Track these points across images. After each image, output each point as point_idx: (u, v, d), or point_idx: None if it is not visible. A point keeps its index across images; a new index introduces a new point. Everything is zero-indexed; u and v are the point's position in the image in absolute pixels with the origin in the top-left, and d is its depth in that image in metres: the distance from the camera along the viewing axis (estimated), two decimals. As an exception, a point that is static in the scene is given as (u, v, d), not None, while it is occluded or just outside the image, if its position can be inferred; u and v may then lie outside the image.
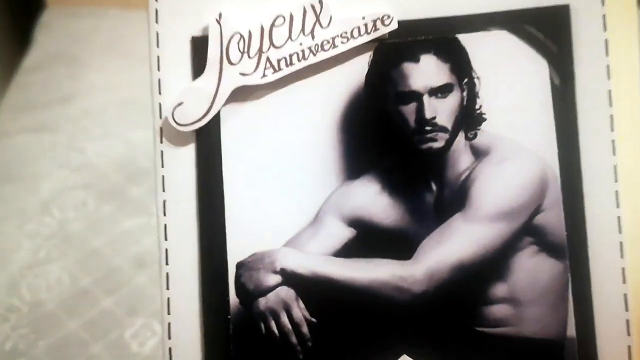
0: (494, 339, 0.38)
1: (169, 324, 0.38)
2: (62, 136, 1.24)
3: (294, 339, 0.38)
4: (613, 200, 0.39)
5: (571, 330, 0.38)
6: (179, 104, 0.39)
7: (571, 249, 0.38)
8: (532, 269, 0.39)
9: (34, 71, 1.39)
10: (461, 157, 0.40)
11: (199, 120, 0.39)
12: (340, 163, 0.40)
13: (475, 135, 0.40)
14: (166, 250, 0.39)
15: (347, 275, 0.38)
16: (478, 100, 0.39)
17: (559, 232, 0.39)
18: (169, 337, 0.38)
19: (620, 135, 0.39)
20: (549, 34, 0.38)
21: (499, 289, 0.39)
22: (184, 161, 0.39)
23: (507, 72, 0.39)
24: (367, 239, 0.40)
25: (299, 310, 0.38)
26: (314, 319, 0.38)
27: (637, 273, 0.38)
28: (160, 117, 0.40)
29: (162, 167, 0.39)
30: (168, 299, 0.38)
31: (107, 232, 1.05)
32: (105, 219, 1.07)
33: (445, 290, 0.38)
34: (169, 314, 0.38)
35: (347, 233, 0.40)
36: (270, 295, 0.38)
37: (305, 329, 0.38)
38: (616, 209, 0.39)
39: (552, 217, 0.39)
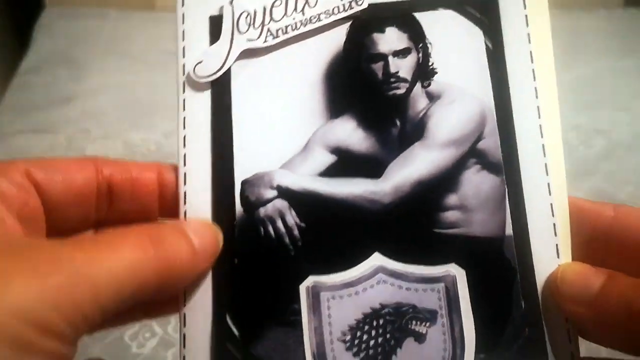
0: (448, 237, 0.47)
1: None
2: (61, 137, 1.25)
3: (287, 240, 0.46)
4: (538, 131, 0.47)
5: (509, 230, 0.46)
6: (199, 62, 0.48)
7: (506, 167, 0.47)
8: (476, 182, 0.47)
9: (34, 72, 1.40)
10: (419, 101, 0.49)
11: (214, 73, 0.48)
12: (325, 106, 0.49)
13: (429, 84, 0.49)
14: (184, 174, 0.47)
15: (329, 190, 0.47)
16: (430, 59, 0.49)
17: (497, 154, 0.47)
18: None
19: (540, 84, 0.48)
20: (483, 12, 0.49)
21: (451, 199, 0.47)
22: (201, 105, 0.48)
23: (452, 40, 0.49)
24: (346, 163, 0.48)
25: (292, 218, 0.47)
26: (303, 224, 0.47)
27: (560, 187, 0.47)
28: (183, 74, 0.49)
29: (184, 110, 0.48)
30: (185, 211, 0.46)
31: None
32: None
33: (408, 201, 0.47)
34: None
35: (330, 159, 0.48)
36: (268, 205, 0.47)
37: (296, 232, 0.46)
38: (540, 138, 0.47)
39: (491, 143, 0.47)
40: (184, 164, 0.48)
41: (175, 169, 0.47)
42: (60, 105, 1.30)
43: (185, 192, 0.47)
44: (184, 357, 0.45)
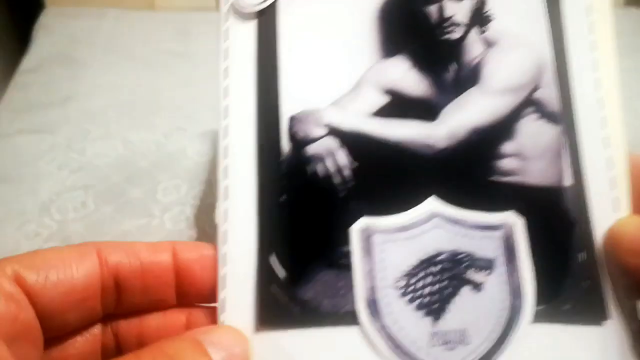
0: (505, 185, 0.45)
1: (226, 165, 0.43)
2: (61, 137, 1.22)
3: (337, 179, 0.44)
4: (594, 84, 0.46)
5: (567, 181, 0.45)
6: None
7: (564, 118, 0.45)
8: (534, 131, 0.45)
9: (33, 72, 1.37)
10: (474, 47, 0.47)
11: (260, 3, 0.46)
12: (378, 45, 0.47)
13: (485, 31, 0.47)
14: (226, 106, 0.44)
15: (381, 132, 0.45)
16: (487, 6, 0.47)
17: (554, 104, 0.45)
18: (226, 177, 0.43)
19: (598, 37, 0.47)
20: None
21: (508, 147, 0.45)
22: (246, 36, 0.45)
23: None
24: (398, 105, 0.46)
25: (342, 157, 0.44)
26: (354, 165, 0.44)
27: (619, 141, 0.45)
28: (227, 2, 0.46)
29: (226, 41, 0.45)
30: (226, 146, 0.43)
31: (107, 234, 1.02)
32: (105, 220, 1.05)
33: (464, 147, 0.45)
34: (226, 157, 0.43)
35: (383, 99, 0.46)
36: (318, 143, 0.44)
37: (347, 172, 0.44)
38: (597, 91, 0.46)
39: (548, 93, 0.46)
40: (225, 96, 0.45)
41: (195, 247, 0.43)
42: (60, 105, 1.27)
43: (226, 125, 0.44)
44: (223, 299, 0.42)
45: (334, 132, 0.45)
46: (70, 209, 1.09)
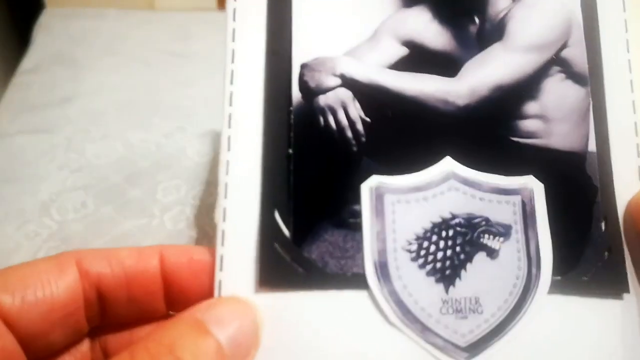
0: (526, 147, 0.42)
1: (230, 114, 0.40)
2: (61, 137, 1.21)
3: (349, 134, 0.41)
4: (624, 45, 0.44)
5: (592, 146, 0.42)
6: None
7: (591, 80, 0.43)
8: (559, 91, 0.43)
9: (33, 72, 1.36)
10: None
11: None
12: None
13: None
14: (233, 50, 0.41)
15: (398, 85, 0.42)
16: None
17: (582, 64, 0.43)
18: (229, 127, 0.40)
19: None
20: None
21: (532, 107, 0.43)
22: None
23: None
24: (417, 58, 0.44)
25: (355, 110, 0.41)
26: (368, 119, 0.42)
27: None
28: None
29: None
30: (231, 92, 0.40)
31: (107, 234, 1.00)
32: (105, 221, 1.03)
33: (485, 105, 0.42)
34: (230, 105, 0.40)
35: (401, 51, 0.44)
36: (330, 93, 0.41)
37: (360, 126, 0.41)
38: (627, 53, 0.44)
39: (576, 52, 0.43)
40: (233, 40, 0.42)
41: (184, 251, 0.39)
42: (60, 105, 1.26)
43: (232, 71, 0.41)
44: (221, 256, 0.39)
45: (347, 82, 0.42)
46: (70, 209, 1.08)
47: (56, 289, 0.36)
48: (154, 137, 1.21)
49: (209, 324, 0.33)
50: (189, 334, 0.32)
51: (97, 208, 1.06)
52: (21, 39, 1.57)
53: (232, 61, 0.41)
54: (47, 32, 1.47)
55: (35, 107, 1.27)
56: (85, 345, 0.39)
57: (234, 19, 0.42)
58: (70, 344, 0.39)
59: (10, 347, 0.34)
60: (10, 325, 0.34)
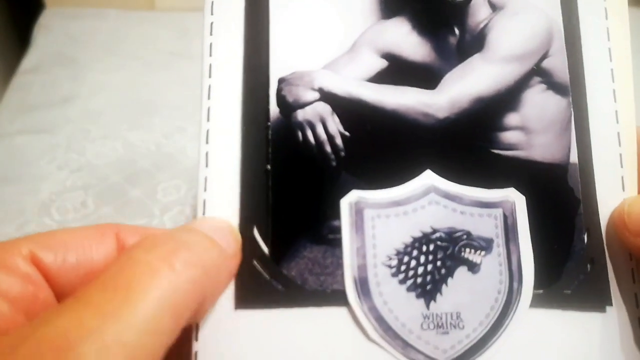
0: (507, 160, 0.42)
1: (208, 130, 0.40)
2: (61, 137, 1.21)
3: (328, 148, 0.41)
4: (606, 54, 0.43)
5: (573, 158, 0.42)
6: None
7: (572, 90, 0.43)
8: (540, 102, 0.42)
9: (33, 72, 1.37)
10: (481, 9, 0.44)
11: None
12: (376, 4, 0.43)
13: None
14: (210, 65, 0.41)
15: (377, 98, 0.41)
16: None
17: (564, 74, 0.43)
18: (207, 142, 0.40)
19: (611, 5, 0.44)
20: None
21: (512, 118, 0.42)
22: None
23: None
24: (397, 70, 0.43)
25: (334, 124, 0.41)
26: (347, 133, 0.41)
27: (629, 116, 0.43)
28: None
29: None
30: (208, 108, 0.40)
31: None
32: (104, 220, 1.03)
33: (465, 117, 0.42)
34: (208, 121, 0.40)
35: (380, 63, 0.43)
36: (308, 108, 0.41)
37: (339, 141, 0.41)
38: (609, 62, 0.43)
39: (557, 62, 0.43)
40: (210, 55, 0.41)
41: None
42: (60, 105, 1.27)
43: (209, 86, 0.41)
44: None
45: (326, 96, 0.42)
46: (70, 209, 1.08)
47: (96, 255, 0.37)
48: (154, 137, 1.21)
49: (211, 234, 0.36)
50: (198, 238, 0.35)
51: (97, 208, 1.07)
52: (21, 39, 1.57)
53: (210, 76, 0.41)
54: (47, 32, 1.47)
55: (35, 107, 1.27)
56: None
57: (210, 33, 0.42)
58: None
59: (49, 300, 0.35)
60: (49, 282, 0.35)
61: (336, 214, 0.40)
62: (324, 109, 0.42)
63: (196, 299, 0.33)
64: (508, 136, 0.43)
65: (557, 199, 0.42)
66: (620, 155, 0.43)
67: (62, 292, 0.36)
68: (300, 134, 0.42)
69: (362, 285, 0.39)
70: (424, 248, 0.40)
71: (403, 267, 0.40)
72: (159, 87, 1.32)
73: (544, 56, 0.44)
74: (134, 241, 0.38)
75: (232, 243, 0.37)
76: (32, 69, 1.37)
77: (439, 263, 0.40)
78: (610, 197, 0.42)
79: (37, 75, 1.35)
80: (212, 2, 0.42)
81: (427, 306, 0.40)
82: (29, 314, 0.33)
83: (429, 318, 0.39)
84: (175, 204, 1.10)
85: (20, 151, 1.20)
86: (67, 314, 0.28)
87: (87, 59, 1.39)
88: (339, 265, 0.39)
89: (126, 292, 0.29)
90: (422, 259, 0.40)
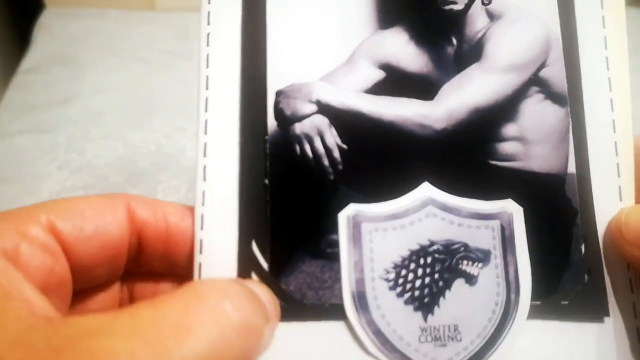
0: (504, 171, 0.42)
1: (205, 143, 0.39)
2: (61, 137, 1.21)
3: (326, 162, 0.41)
4: (604, 63, 0.43)
5: (571, 168, 0.42)
6: None
7: (571, 99, 0.43)
8: (538, 112, 0.42)
9: (33, 72, 1.36)
10: (478, 18, 0.44)
11: None
12: (374, 15, 0.43)
13: (490, 2, 0.44)
14: (207, 76, 0.40)
15: (375, 110, 0.41)
16: None
17: (561, 83, 0.42)
18: (205, 155, 0.39)
19: (608, 13, 0.44)
20: None
21: (510, 129, 0.42)
22: (230, 1, 0.42)
23: None
24: (394, 81, 0.43)
25: (332, 137, 0.41)
26: (344, 146, 0.41)
27: (626, 125, 0.42)
28: None
29: (209, 4, 0.42)
30: (206, 120, 0.40)
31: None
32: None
33: (463, 128, 0.42)
34: (205, 134, 0.40)
35: (377, 75, 0.43)
36: (306, 121, 0.41)
37: (336, 154, 0.41)
38: (607, 71, 0.43)
39: (555, 72, 0.43)
40: (207, 66, 0.41)
41: None
42: (60, 105, 1.26)
43: (206, 98, 0.41)
44: None
45: (323, 109, 0.42)
46: (70, 210, 1.07)
47: (110, 226, 0.37)
48: (154, 137, 1.21)
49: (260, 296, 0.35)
50: (250, 297, 0.33)
51: (97, 208, 1.06)
52: (21, 39, 1.57)
53: (207, 88, 0.41)
54: (47, 32, 1.47)
55: (36, 107, 1.27)
56: (116, 287, 0.40)
57: (207, 44, 0.42)
58: (107, 283, 0.40)
59: (63, 272, 0.35)
60: (66, 252, 0.35)
61: (334, 228, 0.40)
62: (322, 121, 0.42)
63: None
64: (506, 147, 0.43)
65: (555, 209, 0.42)
66: (618, 164, 0.43)
67: (77, 263, 0.36)
68: (298, 147, 0.42)
69: (360, 299, 0.39)
70: (422, 261, 0.40)
71: (401, 281, 0.40)
72: (159, 87, 1.31)
73: (542, 65, 0.44)
74: (144, 214, 0.39)
75: (276, 318, 0.37)
76: (32, 69, 1.37)
77: (436, 276, 0.40)
78: (607, 207, 0.42)
79: (37, 75, 1.35)
80: (209, 13, 0.42)
81: (425, 319, 0.40)
82: (44, 287, 0.32)
83: (426, 331, 0.40)
84: (176, 204, 1.09)
85: (20, 151, 1.19)
86: (120, 334, 0.28)
87: (87, 59, 1.38)
88: (337, 279, 0.40)
89: (187, 333, 0.28)
90: (420, 271, 0.40)
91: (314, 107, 0.42)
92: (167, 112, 1.26)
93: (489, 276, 0.40)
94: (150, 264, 0.40)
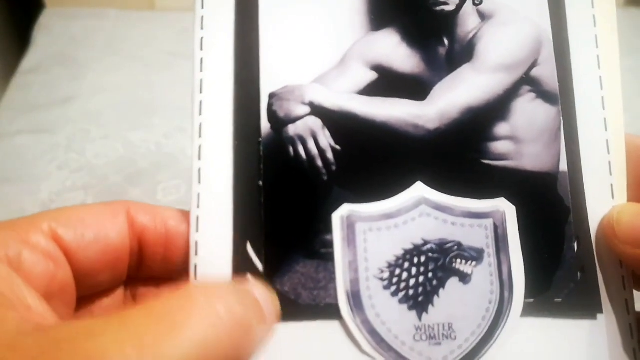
0: (497, 170, 0.42)
1: (200, 146, 0.40)
2: (61, 137, 1.21)
3: (319, 163, 0.41)
4: (595, 62, 0.43)
5: (563, 166, 0.42)
6: None
7: (562, 98, 0.43)
8: (530, 111, 0.43)
9: (33, 72, 1.37)
10: (469, 19, 0.44)
11: None
12: (365, 16, 0.43)
13: (481, 2, 0.44)
14: (201, 80, 0.41)
15: (368, 111, 0.42)
16: None
17: (553, 82, 0.43)
18: (199, 158, 0.40)
19: (599, 12, 0.44)
20: None
21: (502, 128, 0.42)
22: (223, 4, 0.42)
23: None
24: (386, 82, 0.43)
25: (325, 138, 0.41)
26: (338, 147, 0.41)
27: (617, 123, 0.43)
28: None
29: (202, 8, 0.41)
30: (200, 124, 0.40)
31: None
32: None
33: (455, 128, 0.42)
34: (200, 137, 0.40)
35: (370, 76, 0.43)
36: (299, 123, 0.41)
37: (330, 155, 0.41)
38: (598, 69, 0.43)
39: (547, 71, 0.43)
40: (201, 70, 0.41)
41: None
42: (60, 105, 1.26)
43: (200, 102, 0.41)
44: None
45: (317, 110, 0.42)
46: (70, 209, 1.07)
47: (111, 233, 0.37)
48: (154, 137, 1.21)
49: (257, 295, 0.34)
50: (245, 296, 0.33)
51: (97, 208, 1.06)
52: (21, 39, 1.57)
53: (201, 91, 0.41)
54: (47, 32, 1.47)
55: (36, 107, 1.27)
56: (120, 293, 0.41)
57: (201, 48, 0.42)
58: (111, 288, 0.40)
59: (66, 278, 0.35)
60: (69, 259, 0.35)
61: (328, 228, 0.41)
62: (315, 123, 0.42)
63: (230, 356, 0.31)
64: (498, 146, 0.43)
65: (547, 208, 0.43)
66: (610, 162, 0.43)
67: (80, 269, 0.37)
68: (291, 149, 0.42)
69: (355, 299, 0.40)
70: (416, 260, 0.41)
71: (395, 280, 0.40)
72: (159, 87, 1.31)
73: (533, 65, 0.44)
74: (143, 220, 0.39)
75: (274, 317, 0.37)
76: (32, 69, 1.37)
77: (430, 274, 0.41)
78: (599, 205, 0.42)
79: (38, 75, 1.35)
80: (202, 17, 0.42)
81: (420, 318, 0.40)
82: (46, 293, 0.33)
83: (421, 329, 0.40)
84: (176, 204, 1.09)
85: (20, 151, 1.20)
86: (110, 334, 0.28)
87: (87, 59, 1.38)
88: (332, 279, 0.40)
89: (177, 333, 0.28)
90: (414, 271, 0.41)
91: (307, 109, 0.42)
92: (167, 112, 1.27)
93: (483, 275, 0.41)
94: (151, 269, 0.41)
